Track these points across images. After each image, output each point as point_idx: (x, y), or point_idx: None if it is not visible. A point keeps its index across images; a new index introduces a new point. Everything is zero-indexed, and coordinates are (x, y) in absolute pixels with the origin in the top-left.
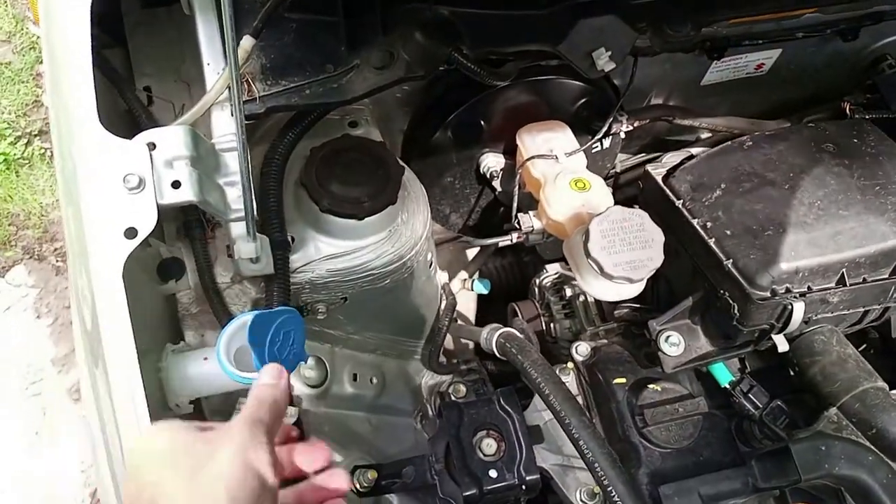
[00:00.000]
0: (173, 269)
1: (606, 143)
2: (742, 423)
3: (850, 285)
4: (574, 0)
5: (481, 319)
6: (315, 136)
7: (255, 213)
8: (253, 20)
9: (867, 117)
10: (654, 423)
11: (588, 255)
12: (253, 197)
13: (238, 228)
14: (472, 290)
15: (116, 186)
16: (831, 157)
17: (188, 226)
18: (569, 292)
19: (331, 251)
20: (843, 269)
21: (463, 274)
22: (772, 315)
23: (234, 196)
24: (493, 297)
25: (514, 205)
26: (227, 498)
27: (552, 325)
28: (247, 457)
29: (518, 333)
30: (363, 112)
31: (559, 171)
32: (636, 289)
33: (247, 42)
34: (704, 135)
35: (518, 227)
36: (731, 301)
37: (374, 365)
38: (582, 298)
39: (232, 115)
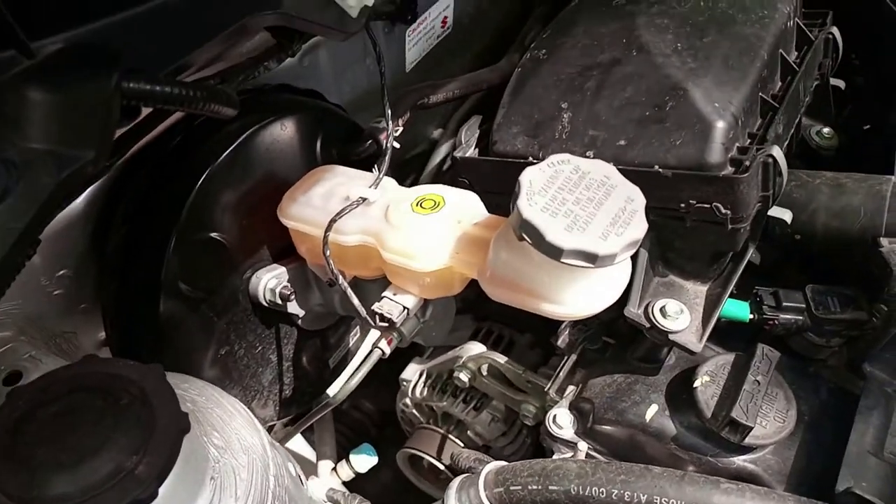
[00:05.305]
0: None
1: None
2: (793, 345)
3: (779, 105)
4: None
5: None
6: None
7: None
8: None
9: None
10: (751, 419)
11: (557, 252)
12: None
13: None
14: (355, 470)
15: None
16: (633, 4)
17: None
18: (462, 377)
19: None
20: (760, 94)
21: (326, 464)
22: (757, 184)
23: None
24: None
25: (356, 303)
26: None
27: (468, 432)
28: None
29: (500, 461)
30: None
31: (388, 206)
32: (629, 266)
33: None
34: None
35: (388, 321)
36: (704, 205)
37: None
38: (485, 367)
39: None
